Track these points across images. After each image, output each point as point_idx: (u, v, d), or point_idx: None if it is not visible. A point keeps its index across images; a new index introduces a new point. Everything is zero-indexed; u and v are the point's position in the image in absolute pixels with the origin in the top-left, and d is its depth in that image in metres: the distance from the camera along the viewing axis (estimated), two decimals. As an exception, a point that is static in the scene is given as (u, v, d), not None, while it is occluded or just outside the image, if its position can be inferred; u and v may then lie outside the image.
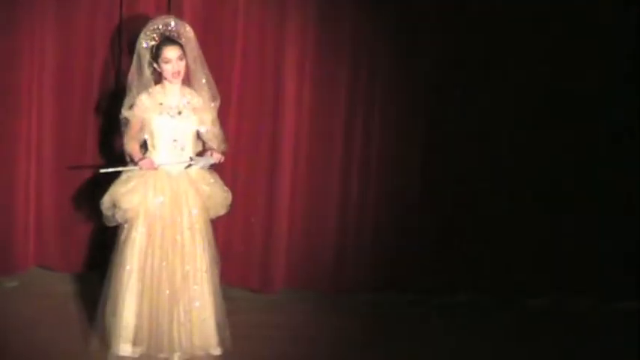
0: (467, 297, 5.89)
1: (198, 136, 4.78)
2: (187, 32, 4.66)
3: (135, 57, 4.65)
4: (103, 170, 4.76)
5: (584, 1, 5.66)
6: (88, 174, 5.40)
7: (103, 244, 5.03)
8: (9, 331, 4.97)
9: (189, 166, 4.70)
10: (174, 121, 4.68)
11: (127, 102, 4.67)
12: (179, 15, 5.13)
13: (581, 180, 5.89)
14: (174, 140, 4.69)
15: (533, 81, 5.75)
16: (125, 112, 4.66)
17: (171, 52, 4.61)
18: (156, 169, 4.67)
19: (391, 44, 5.63)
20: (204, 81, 4.72)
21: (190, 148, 4.74)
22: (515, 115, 5.78)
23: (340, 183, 5.76)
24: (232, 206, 4.91)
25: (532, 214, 5.89)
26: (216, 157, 4.75)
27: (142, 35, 4.64)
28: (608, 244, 5.90)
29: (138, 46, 4.63)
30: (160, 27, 4.65)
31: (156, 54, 4.63)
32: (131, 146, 4.71)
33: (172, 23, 4.68)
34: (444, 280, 5.85)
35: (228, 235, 5.56)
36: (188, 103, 4.72)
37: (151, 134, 4.71)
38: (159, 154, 4.71)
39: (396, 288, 5.85)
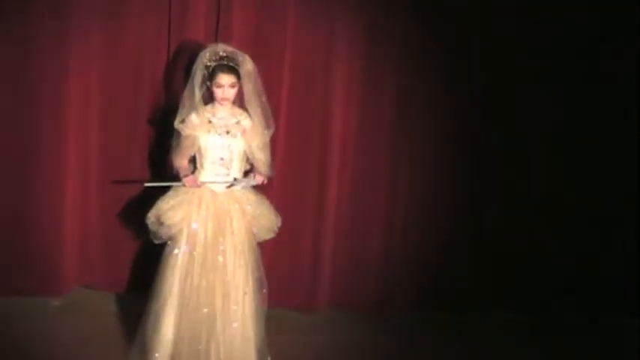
0: (509, 315, 5.88)
1: (247, 156, 4.81)
2: (246, 62, 4.69)
3: (192, 74, 4.69)
4: (147, 184, 4.87)
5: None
6: (133, 192, 5.42)
7: (148, 263, 5.02)
8: (52, 349, 4.99)
9: (232, 185, 4.73)
10: (221, 139, 4.72)
11: (179, 115, 4.71)
12: (227, 39, 5.19)
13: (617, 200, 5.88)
14: (221, 159, 4.73)
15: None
16: (177, 125, 4.70)
17: (224, 79, 4.66)
18: (199, 186, 4.71)
19: (439, 67, 5.65)
20: (259, 110, 4.74)
21: (237, 167, 4.77)
22: (552, 142, 5.82)
23: (386, 204, 5.77)
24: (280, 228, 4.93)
25: (569, 233, 5.88)
26: (258, 179, 4.78)
27: (201, 54, 4.69)
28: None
29: (196, 64, 4.68)
30: (221, 52, 4.69)
31: (210, 76, 4.67)
32: (179, 162, 4.76)
33: (232, 51, 4.71)
34: (488, 299, 5.87)
35: (274, 255, 5.56)
36: (237, 123, 4.76)
37: (199, 152, 4.75)
38: (206, 172, 4.74)
39: (439, 307, 5.84)
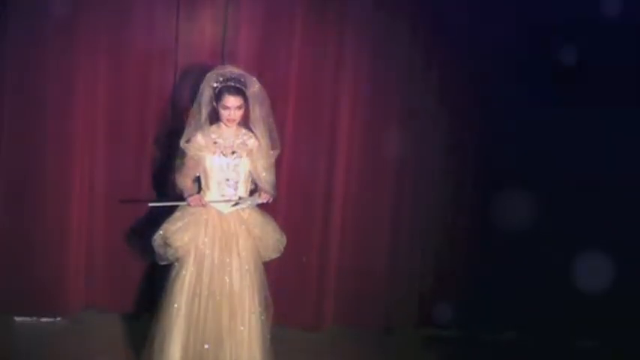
0: (514, 336, 5.87)
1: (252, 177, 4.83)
2: (254, 84, 4.72)
3: (198, 94, 4.73)
4: (152, 204, 4.88)
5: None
6: (139, 212, 5.43)
7: (155, 283, 5.04)
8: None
9: (237, 204, 4.74)
10: (227, 160, 4.74)
11: (185, 135, 4.75)
12: (233, 60, 5.24)
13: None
14: (227, 179, 4.75)
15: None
16: (182, 144, 4.73)
17: (230, 100, 4.69)
18: (204, 205, 4.73)
19: (445, 79, 5.68)
20: (266, 131, 4.77)
21: (242, 188, 4.79)
22: (569, 150, 5.77)
23: (390, 223, 5.79)
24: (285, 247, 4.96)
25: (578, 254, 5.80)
26: (263, 197, 4.80)
27: (208, 75, 4.72)
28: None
29: (203, 85, 4.71)
30: (228, 74, 4.72)
31: (217, 97, 4.70)
32: (183, 182, 4.79)
33: (240, 73, 4.74)
34: (492, 318, 5.84)
35: (279, 274, 5.55)
36: (242, 143, 4.79)
37: (204, 173, 4.77)
38: (211, 193, 4.76)
39: (444, 325, 5.84)
